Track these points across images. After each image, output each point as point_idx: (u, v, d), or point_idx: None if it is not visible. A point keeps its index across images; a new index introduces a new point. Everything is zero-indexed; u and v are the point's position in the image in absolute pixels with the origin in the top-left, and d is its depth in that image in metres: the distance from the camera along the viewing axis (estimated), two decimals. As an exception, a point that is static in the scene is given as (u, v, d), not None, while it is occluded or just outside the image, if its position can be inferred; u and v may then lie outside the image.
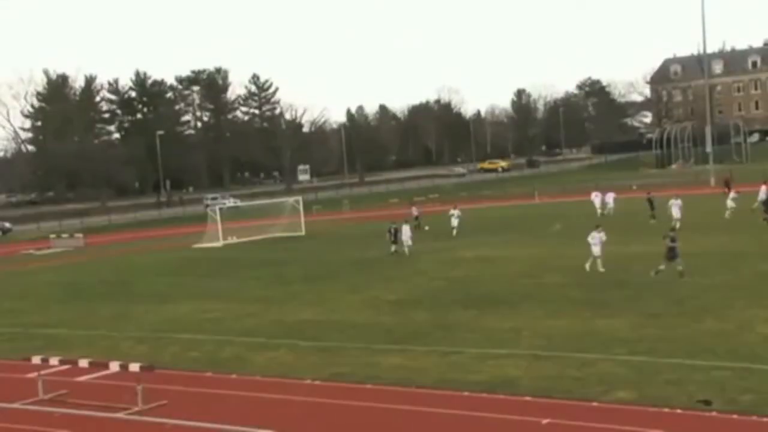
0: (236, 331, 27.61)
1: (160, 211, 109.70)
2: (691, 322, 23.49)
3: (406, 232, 43.81)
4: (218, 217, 60.53)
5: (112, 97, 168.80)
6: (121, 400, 19.59)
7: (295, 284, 37.13)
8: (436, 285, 33.78)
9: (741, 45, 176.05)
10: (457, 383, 19.50)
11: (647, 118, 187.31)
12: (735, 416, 16.01)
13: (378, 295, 32.19)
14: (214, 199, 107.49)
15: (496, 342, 23.04)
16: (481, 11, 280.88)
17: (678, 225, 43.28)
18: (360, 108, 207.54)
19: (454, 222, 52.58)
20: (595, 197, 60.08)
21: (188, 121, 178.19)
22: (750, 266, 31.98)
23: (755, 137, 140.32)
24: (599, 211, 57.74)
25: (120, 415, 19.05)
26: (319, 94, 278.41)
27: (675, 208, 46.01)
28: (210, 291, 37.16)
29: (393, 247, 44.41)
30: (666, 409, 16.61)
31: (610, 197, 59.94)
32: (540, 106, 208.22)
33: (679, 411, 16.49)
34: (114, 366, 20.83)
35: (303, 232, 61.57)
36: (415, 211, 61.33)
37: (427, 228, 56.39)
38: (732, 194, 50.04)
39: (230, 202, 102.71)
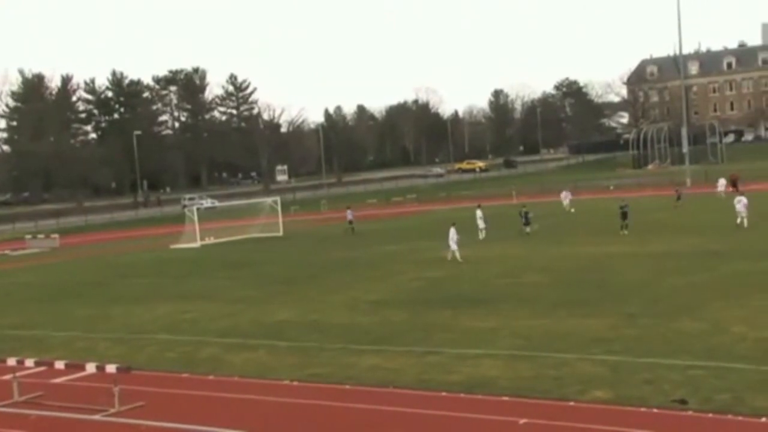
0: (214, 331, 27.52)
1: (137, 212, 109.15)
2: (667, 322, 23.64)
3: (452, 235, 39.20)
4: (196, 218, 60.32)
5: (89, 96, 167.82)
6: (97, 402, 19.48)
7: (273, 285, 37.05)
8: (414, 285, 33.81)
9: (716, 46, 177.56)
10: (434, 383, 19.52)
11: (624, 118, 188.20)
12: (710, 415, 16.12)
13: (356, 296, 32.18)
14: (191, 199, 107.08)
15: (473, 342, 23.08)
16: (459, 11, 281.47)
17: (743, 222, 43.40)
18: (338, 108, 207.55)
19: (481, 224, 48.28)
20: (565, 197, 61.82)
21: (165, 122, 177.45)
22: (726, 266, 32.21)
23: (730, 138, 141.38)
24: (567, 208, 59.83)
25: (96, 416, 18.94)
26: (296, 94, 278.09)
27: (740, 205, 44.54)
28: (187, 292, 37.02)
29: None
30: (642, 409, 16.70)
31: (566, 196, 62.37)
32: (517, 106, 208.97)
33: (655, 410, 16.58)
34: (90, 367, 20.69)
35: (281, 233, 61.48)
36: (349, 215, 60.63)
37: (353, 227, 56.98)
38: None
39: (208, 203, 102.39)
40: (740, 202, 44.60)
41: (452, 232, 39.19)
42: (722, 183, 65.58)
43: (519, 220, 49.72)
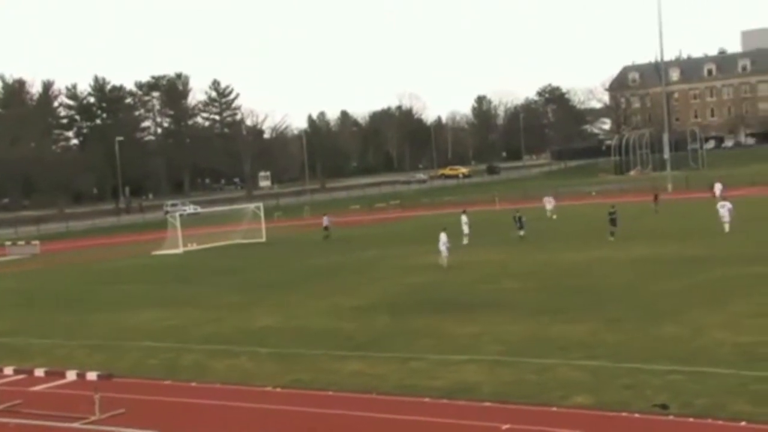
0: (196, 338, 27.43)
1: (119, 218, 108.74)
2: (648, 327, 23.74)
3: (444, 240, 39.29)
4: (178, 224, 60.15)
5: (71, 102, 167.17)
6: (77, 410, 19.36)
7: (255, 291, 36.97)
8: (396, 291, 33.81)
9: (697, 53, 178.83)
10: (417, 389, 19.52)
11: (606, 124, 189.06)
12: (691, 420, 16.19)
13: (338, 302, 32.15)
14: (174, 205, 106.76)
15: (456, 348, 23.10)
16: (443, 18, 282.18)
17: (724, 227, 43.59)
18: (321, 114, 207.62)
19: (465, 229, 48.40)
20: (548, 202, 61.84)
21: (148, 127, 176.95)
22: (707, 271, 32.38)
23: (711, 144, 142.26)
24: (549, 214, 59.37)
25: (76, 424, 18.83)
26: (280, 100, 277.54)
27: (723, 210, 44.75)
28: (170, 298, 36.88)
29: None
30: (624, 414, 16.75)
31: (548, 202, 61.95)
32: (500, 112, 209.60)
33: (636, 415, 16.64)
34: (71, 375, 20.56)
35: (264, 239, 61.37)
36: (325, 221, 60.48)
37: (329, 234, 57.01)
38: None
39: (190, 209, 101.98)
40: (724, 207, 44.85)
41: (443, 237, 39.10)
42: (719, 187, 65.03)
43: (513, 224, 50.05)
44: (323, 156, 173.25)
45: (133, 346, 26.94)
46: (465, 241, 47.12)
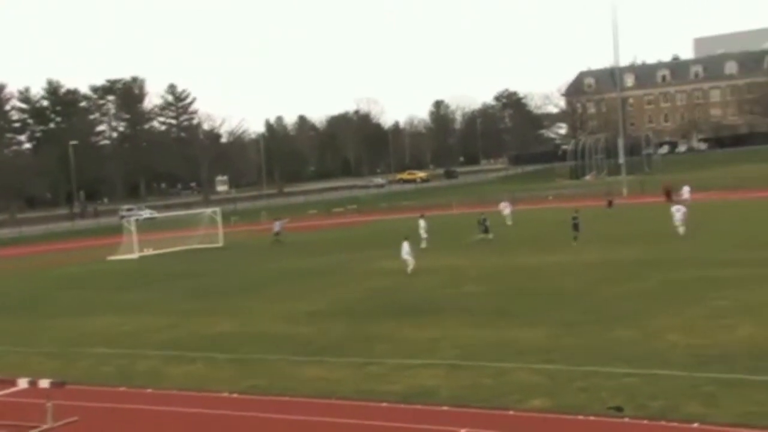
0: (152, 344, 27.18)
1: (74, 223, 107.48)
2: (603, 331, 23.95)
3: (406, 248, 38.64)
4: (134, 229, 59.62)
5: (23, 106, 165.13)
6: (29, 418, 19.07)
7: (212, 296, 36.74)
8: (354, 296, 33.78)
9: (651, 59, 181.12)
10: (375, 394, 19.51)
11: (562, 129, 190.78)
12: (645, 422, 16.35)
13: (296, 307, 32.05)
14: (129, 210, 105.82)
15: (413, 352, 23.13)
16: (400, 22, 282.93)
17: (677, 230, 44.00)
18: (279, 118, 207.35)
19: (423, 233, 48.17)
20: (504, 207, 61.03)
21: (103, 131, 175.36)
22: (661, 275, 32.74)
23: (665, 149, 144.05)
24: (506, 220, 58.59)
25: (29, 432, 18.56)
26: (237, 105, 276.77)
27: (679, 214, 45.12)
28: (125, 304, 36.53)
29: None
30: (580, 416, 16.88)
31: (505, 207, 61.08)
32: (458, 117, 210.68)
33: (592, 418, 16.77)
34: (22, 382, 20.24)
35: (221, 244, 61.04)
36: (276, 226, 60.16)
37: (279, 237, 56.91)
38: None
39: (146, 214, 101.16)
40: (679, 211, 45.38)
41: (406, 246, 38.48)
42: (686, 190, 65.46)
43: (478, 227, 50.33)
44: (281, 160, 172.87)
45: (87, 352, 26.63)
46: (423, 245, 47.18)
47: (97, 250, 63.47)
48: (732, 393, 17.51)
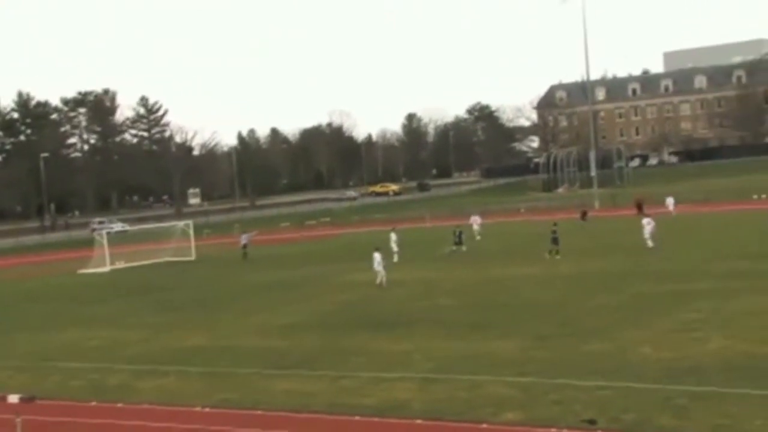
0: (123, 358, 26.95)
1: (44, 236, 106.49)
2: (576, 344, 24.03)
3: (378, 259, 38.40)
4: (105, 242, 59.15)
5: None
6: (-1, 433, 18.86)
7: (184, 309, 36.52)
8: (327, 309, 33.70)
9: (622, 73, 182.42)
10: (348, 407, 19.44)
11: (534, 142, 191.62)
12: (618, 434, 16.42)
13: (268, 320, 31.92)
14: (101, 223, 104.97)
15: (387, 365, 23.09)
16: (373, 35, 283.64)
17: (647, 243, 44.29)
18: (251, 131, 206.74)
19: (394, 247, 47.76)
20: (475, 222, 59.93)
21: (74, 144, 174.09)
22: (632, 287, 32.92)
23: (636, 162, 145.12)
24: (476, 235, 57.44)
25: (-2, 448, 18.34)
26: (209, 117, 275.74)
27: (649, 227, 45.37)
28: (96, 317, 36.21)
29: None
30: (553, 429, 16.91)
31: (475, 221, 59.97)
32: (430, 130, 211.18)
33: (565, 430, 16.81)
34: (-8, 397, 20.05)
35: (193, 257, 60.70)
36: (244, 239, 59.52)
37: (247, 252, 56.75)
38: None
39: (118, 227, 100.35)
40: (649, 224, 45.70)
41: (377, 256, 38.39)
42: (671, 202, 65.64)
43: (453, 239, 50.34)
44: (253, 173, 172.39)
45: (57, 366, 26.36)
46: (395, 258, 47.09)
47: (68, 263, 62.92)
48: (704, 406, 17.62)
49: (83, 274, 56.45)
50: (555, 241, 45.08)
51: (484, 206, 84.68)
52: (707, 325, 25.15)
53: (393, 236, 48.91)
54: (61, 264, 65.08)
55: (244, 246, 58.58)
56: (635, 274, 36.25)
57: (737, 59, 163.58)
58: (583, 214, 64.77)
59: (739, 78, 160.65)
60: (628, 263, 40.12)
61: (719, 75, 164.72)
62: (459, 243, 50.26)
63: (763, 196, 74.35)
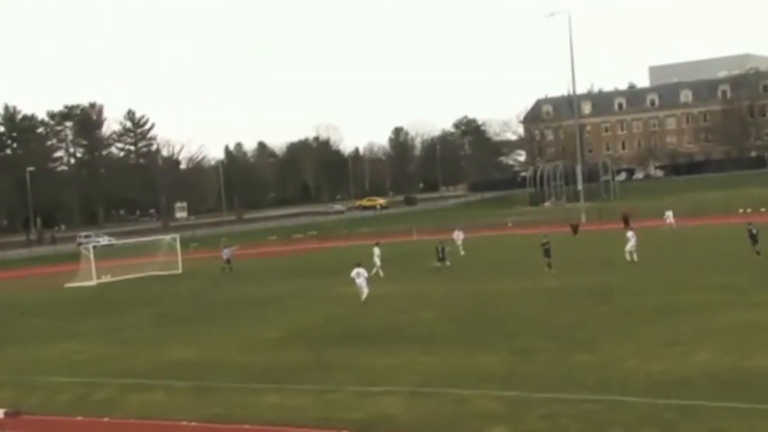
0: (109, 372, 26.84)
1: (30, 250, 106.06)
2: (562, 357, 24.07)
3: (360, 274, 37.72)
4: (92, 255, 58.95)
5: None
6: (-16, 449, 18.74)
7: (171, 323, 36.40)
8: (313, 323, 33.66)
9: (608, 87, 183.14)
10: (335, 421, 19.42)
11: (521, 156, 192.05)
12: (605, 448, 16.44)
13: (255, 334, 31.86)
14: (87, 236, 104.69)
15: (374, 379, 23.07)
16: (360, 49, 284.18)
17: (633, 257, 44.47)
18: (238, 145, 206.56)
19: (377, 261, 47.70)
20: (457, 237, 59.42)
21: (61, 157, 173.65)
22: (618, 301, 33.01)
23: (622, 176, 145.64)
24: (460, 249, 56.93)
25: (-17, 464, 18.21)
26: (196, 131, 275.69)
27: (634, 240, 45.35)
28: (82, 331, 36.06)
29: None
30: (540, 443, 16.92)
31: (458, 236, 59.23)
32: (417, 143, 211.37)
33: (552, 444, 16.82)
34: (-23, 413, 19.93)
35: (180, 271, 60.56)
36: (226, 253, 59.10)
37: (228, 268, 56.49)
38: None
39: (104, 240, 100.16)
40: (633, 237, 45.92)
41: (361, 270, 37.75)
42: (669, 215, 65.66)
43: (436, 254, 50.06)
44: (240, 187, 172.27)
45: (43, 381, 26.23)
46: (377, 273, 46.95)
47: (55, 278, 62.65)
48: (692, 419, 17.67)
49: (69, 288, 56.21)
50: (547, 253, 44.70)
51: (471, 220, 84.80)
52: (694, 338, 25.24)
53: (376, 251, 48.81)
54: (47, 278, 64.80)
55: (228, 261, 58.36)
56: (619, 288, 36.33)
57: (722, 74, 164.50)
58: (575, 228, 64.80)
59: (724, 92, 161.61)
60: (613, 276, 40.21)
61: (704, 89, 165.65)
62: (442, 259, 49.87)
63: (749, 210, 74.74)
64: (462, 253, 56.55)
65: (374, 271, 46.45)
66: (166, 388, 24.04)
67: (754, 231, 43.73)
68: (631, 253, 45.09)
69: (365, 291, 37.57)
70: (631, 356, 23.53)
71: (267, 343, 29.87)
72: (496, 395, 20.52)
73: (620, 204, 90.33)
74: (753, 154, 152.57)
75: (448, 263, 49.73)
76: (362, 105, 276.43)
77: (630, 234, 46.64)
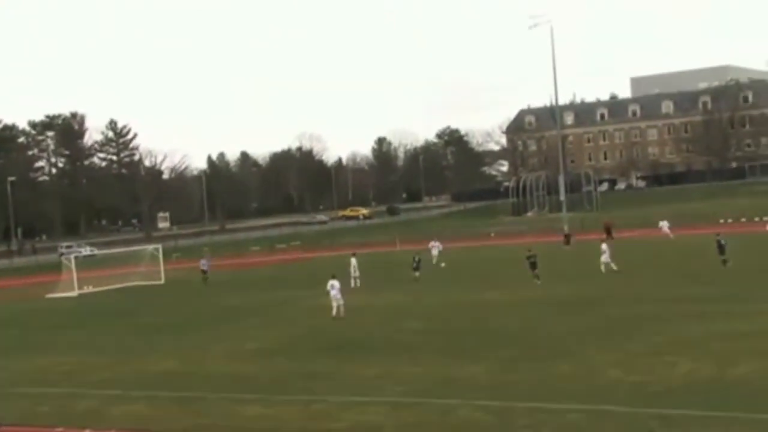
0: (91, 383, 26.69)
1: (11, 260, 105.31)
2: (546, 367, 24.13)
3: (334, 286, 36.98)
4: (73, 266, 58.61)
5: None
6: (-35, 461, 18.60)
7: (153, 334, 36.25)
8: (298, 333, 33.61)
9: (590, 98, 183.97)
10: (319, 432, 19.39)
11: (504, 166, 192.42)
12: (589, 458, 16.48)
13: (239, 344, 31.78)
14: (69, 247, 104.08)
15: (358, 390, 23.06)
16: (343, 59, 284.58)
17: (610, 266, 44.48)
18: (221, 155, 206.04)
19: (354, 272, 47.35)
20: (434, 247, 58.69)
21: (42, 167, 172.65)
22: (600, 311, 33.13)
23: (604, 186, 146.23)
24: (436, 261, 56.24)
25: (-36, 476, 18.07)
26: (179, 141, 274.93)
27: (609, 251, 45.69)
28: (64, 342, 35.85)
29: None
30: (523, 453, 16.94)
31: (433, 246, 58.38)
32: (400, 154, 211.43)
33: (536, 454, 16.84)
34: (-42, 424, 19.79)
35: (162, 281, 60.32)
36: (204, 264, 58.53)
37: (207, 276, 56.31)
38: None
39: (86, 251, 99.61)
40: (609, 249, 45.94)
41: (335, 283, 37.13)
42: (665, 224, 65.81)
43: (411, 264, 49.98)
44: (223, 197, 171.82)
45: (24, 392, 26.05)
46: (356, 283, 46.82)
47: (36, 288, 62.27)
48: (674, 429, 17.75)
49: (51, 298, 55.87)
50: (533, 265, 44.09)
51: (454, 230, 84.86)
52: (676, 348, 25.37)
53: (353, 261, 48.56)
54: (28, 289, 64.41)
55: (204, 271, 58.06)
56: (602, 298, 36.46)
57: (703, 85, 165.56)
58: (567, 239, 64.68)
59: (704, 104, 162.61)
60: (595, 287, 40.35)
61: (685, 101, 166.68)
62: (416, 269, 49.35)
63: (730, 220, 75.21)
64: (442, 264, 55.84)
65: (352, 282, 46.35)
66: (148, 398, 23.93)
67: (723, 242, 44.19)
68: (607, 264, 45.27)
69: (338, 303, 36.43)
70: (614, 366, 23.62)
71: (250, 354, 29.79)
72: (481, 405, 20.53)
73: (602, 214, 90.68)
74: (733, 164, 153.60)
75: (417, 274, 48.90)
76: (345, 115, 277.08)
77: (604, 246, 46.66)
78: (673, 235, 64.44)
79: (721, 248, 43.93)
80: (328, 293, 37.08)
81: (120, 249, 78.86)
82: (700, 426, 17.77)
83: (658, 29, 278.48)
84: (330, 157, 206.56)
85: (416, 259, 49.91)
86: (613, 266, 44.97)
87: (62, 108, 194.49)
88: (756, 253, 49.35)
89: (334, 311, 36.31)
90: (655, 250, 57.51)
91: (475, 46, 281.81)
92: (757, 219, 67.89)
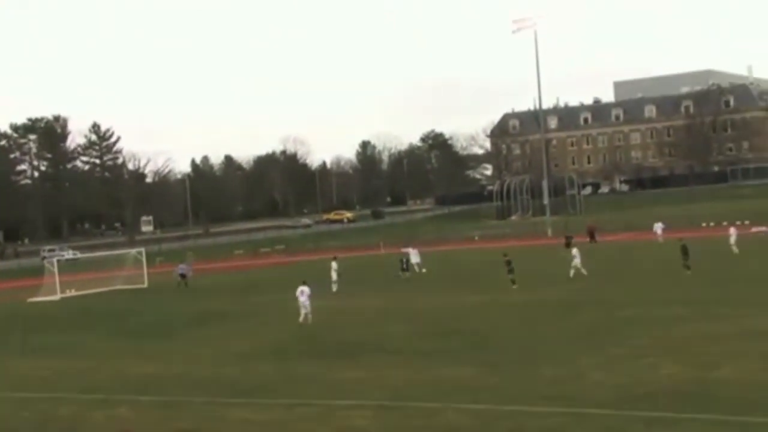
0: (73, 388, 26.55)
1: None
2: (529, 370, 24.18)
3: (304, 292, 36.07)
4: (56, 270, 58.34)
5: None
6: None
7: (136, 338, 36.11)
8: (281, 337, 33.55)
9: (573, 102, 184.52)
10: (302, 436, 19.35)
11: (488, 170, 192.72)
12: (572, 460, 16.51)
13: (222, 348, 31.69)
14: (51, 251, 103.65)
15: (342, 393, 23.04)
16: (327, 63, 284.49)
17: (578, 272, 44.61)
18: (205, 158, 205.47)
19: (334, 275, 47.29)
20: (413, 255, 56.70)
21: (24, 171, 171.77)
22: (582, 316, 33.21)
23: (588, 189, 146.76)
24: (418, 268, 54.93)
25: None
26: (163, 144, 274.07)
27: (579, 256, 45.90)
28: (45, 347, 35.65)
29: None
30: (507, 456, 16.96)
31: (414, 253, 56.52)
32: (385, 157, 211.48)
33: (519, 457, 16.87)
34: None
35: (146, 285, 60.13)
36: (182, 269, 58.46)
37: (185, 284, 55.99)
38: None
39: (69, 254, 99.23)
40: (579, 254, 45.93)
41: (306, 289, 36.23)
42: (659, 227, 65.49)
43: (399, 266, 50.51)
44: (207, 200, 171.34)
45: (5, 397, 25.91)
46: (333, 288, 46.75)
47: (18, 292, 61.96)
48: (657, 431, 17.79)
49: (33, 302, 55.60)
50: (510, 270, 44.02)
51: (439, 234, 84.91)
52: (657, 351, 25.46)
53: (334, 265, 48.43)
54: (10, 292, 64.08)
55: (182, 275, 57.87)
56: (584, 302, 36.54)
57: (685, 89, 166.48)
58: (568, 241, 64.12)
59: (687, 108, 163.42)
60: (577, 291, 40.44)
61: (668, 105, 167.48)
62: (405, 269, 50.54)
63: (712, 223, 75.55)
64: (423, 270, 54.94)
65: (333, 286, 46.44)
66: (131, 403, 23.83)
67: (687, 247, 44.26)
68: (577, 268, 45.32)
69: (306, 311, 35.89)
70: (596, 369, 23.69)
71: (234, 357, 29.71)
72: (464, 408, 20.56)
73: (586, 218, 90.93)
74: (715, 168, 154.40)
75: (408, 274, 50.02)
76: (330, 119, 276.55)
77: (575, 251, 46.65)
78: (663, 239, 64.34)
79: (685, 253, 43.91)
80: (297, 299, 36.62)
81: (103, 253, 78.57)
82: (685, 428, 17.84)
83: (641, 34, 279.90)
84: (314, 160, 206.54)
85: (404, 260, 50.63)
86: (583, 271, 45.05)
87: (45, 111, 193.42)
88: (736, 257, 49.61)
89: (302, 318, 35.91)
90: (638, 253, 57.69)
91: (460, 50, 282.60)
92: (739, 222, 68.06)
